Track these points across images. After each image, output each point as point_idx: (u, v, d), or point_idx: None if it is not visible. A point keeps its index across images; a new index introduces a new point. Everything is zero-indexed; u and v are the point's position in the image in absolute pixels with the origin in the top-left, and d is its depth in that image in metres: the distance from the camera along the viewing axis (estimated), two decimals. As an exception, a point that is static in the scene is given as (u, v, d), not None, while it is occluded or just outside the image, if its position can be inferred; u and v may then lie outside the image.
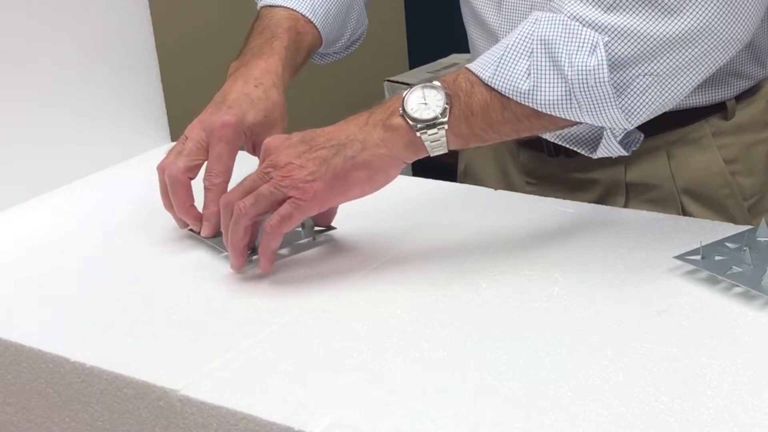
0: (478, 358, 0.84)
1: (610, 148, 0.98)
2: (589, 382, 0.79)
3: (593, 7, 0.93)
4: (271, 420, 0.78)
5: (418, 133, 0.95)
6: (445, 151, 0.96)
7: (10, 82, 1.22)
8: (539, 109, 0.94)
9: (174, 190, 1.08)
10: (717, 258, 0.93)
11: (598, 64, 0.91)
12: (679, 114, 1.15)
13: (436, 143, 0.95)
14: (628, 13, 0.92)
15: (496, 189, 1.19)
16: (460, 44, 1.33)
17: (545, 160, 1.23)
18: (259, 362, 0.86)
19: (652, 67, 0.93)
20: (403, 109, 0.95)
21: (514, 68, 0.94)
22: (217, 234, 1.07)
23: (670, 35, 0.92)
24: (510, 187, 1.27)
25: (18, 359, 0.94)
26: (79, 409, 0.91)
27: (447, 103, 0.95)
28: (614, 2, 0.92)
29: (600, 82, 0.92)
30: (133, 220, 1.16)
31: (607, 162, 1.15)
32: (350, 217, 1.11)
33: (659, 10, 0.91)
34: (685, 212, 1.18)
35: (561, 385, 0.79)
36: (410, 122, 0.95)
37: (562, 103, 0.93)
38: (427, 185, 1.21)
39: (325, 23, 1.23)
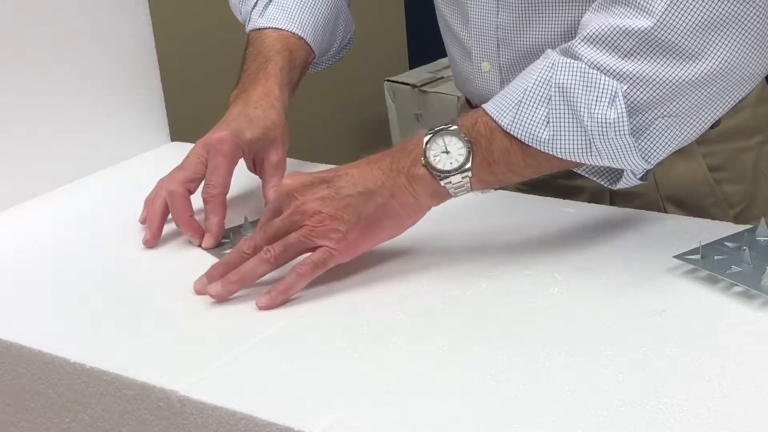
0: (478, 358, 0.84)
1: (629, 182, 0.99)
2: (589, 382, 0.79)
3: (611, 53, 0.92)
4: (271, 420, 0.78)
5: (442, 182, 0.96)
6: (469, 192, 0.97)
7: (9, 82, 1.22)
8: (560, 156, 0.95)
9: (173, 201, 1.09)
10: (716, 257, 0.93)
11: (618, 117, 0.92)
12: None
13: (460, 189, 0.96)
14: (646, 59, 0.91)
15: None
16: (460, 44, 1.33)
17: None
18: (259, 362, 0.86)
19: (671, 109, 0.93)
20: (425, 159, 0.95)
21: (532, 116, 0.94)
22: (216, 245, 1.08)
23: (690, 79, 0.92)
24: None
25: (18, 360, 0.94)
26: (79, 409, 0.91)
27: (469, 150, 0.95)
28: (632, 48, 0.92)
29: (620, 134, 0.92)
30: (133, 220, 1.16)
31: None
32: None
33: (679, 56, 0.91)
34: None
35: (561, 385, 0.79)
36: (434, 172, 0.95)
37: (582, 151, 0.94)
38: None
39: (315, 37, 1.24)
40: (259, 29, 1.23)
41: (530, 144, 0.94)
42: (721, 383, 0.78)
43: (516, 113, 0.95)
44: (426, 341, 0.87)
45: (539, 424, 0.75)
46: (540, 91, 0.94)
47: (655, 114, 0.93)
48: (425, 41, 3.20)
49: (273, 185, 1.12)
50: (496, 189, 1.15)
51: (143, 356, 0.89)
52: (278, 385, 0.83)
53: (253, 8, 1.25)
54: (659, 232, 1.03)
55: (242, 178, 1.18)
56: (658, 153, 0.95)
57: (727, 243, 0.95)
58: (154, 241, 1.10)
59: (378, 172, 0.97)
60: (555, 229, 1.06)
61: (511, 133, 0.95)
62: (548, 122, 0.94)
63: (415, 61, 3.15)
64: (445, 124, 0.97)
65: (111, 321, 0.96)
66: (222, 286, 0.96)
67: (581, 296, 0.92)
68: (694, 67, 0.91)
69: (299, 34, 1.22)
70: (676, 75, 0.91)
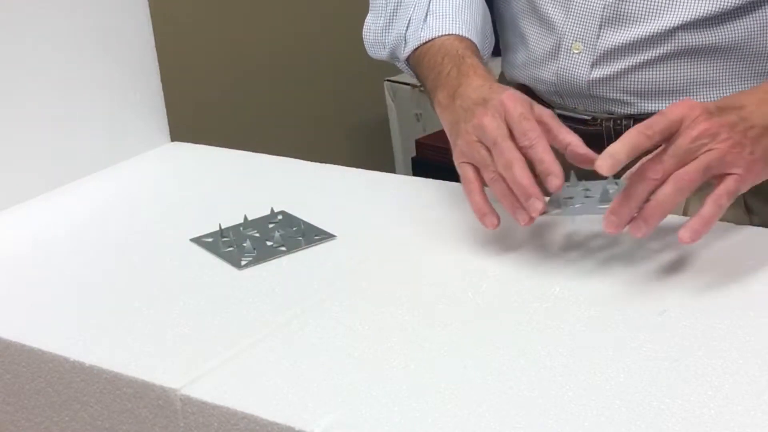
0: (478, 358, 0.84)
1: None
2: (589, 382, 0.79)
3: None
4: (271, 420, 0.78)
5: None
6: None
7: (10, 82, 1.22)
8: None
9: (515, 171, 0.96)
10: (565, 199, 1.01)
11: None
12: None
13: None
14: None
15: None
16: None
17: None
18: (259, 362, 0.86)
19: None
20: None
21: None
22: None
23: None
24: None
25: (17, 358, 0.94)
26: (79, 408, 0.91)
27: None
28: None
29: None
30: (133, 220, 1.16)
31: None
32: (350, 217, 1.11)
33: None
34: None
35: (561, 385, 0.79)
36: None
37: None
38: (428, 185, 1.20)
39: (477, 37, 1.19)
40: (425, 42, 1.17)
41: None
42: (722, 384, 0.78)
43: None
44: (426, 341, 0.87)
45: (539, 424, 0.75)
46: None
47: None
48: (425, 42, 3.20)
49: (563, 130, 1.01)
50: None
51: (143, 355, 0.89)
52: (278, 384, 0.83)
53: (407, 29, 1.20)
54: (658, 231, 1.03)
55: (242, 176, 1.18)
56: None
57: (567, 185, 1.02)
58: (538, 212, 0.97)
59: None
60: (556, 230, 1.06)
61: None
62: None
63: (414, 62, 3.15)
64: None
65: (111, 319, 0.96)
66: (646, 227, 0.93)
67: (582, 296, 0.92)
68: None
69: (468, 36, 1.17)
70: None
